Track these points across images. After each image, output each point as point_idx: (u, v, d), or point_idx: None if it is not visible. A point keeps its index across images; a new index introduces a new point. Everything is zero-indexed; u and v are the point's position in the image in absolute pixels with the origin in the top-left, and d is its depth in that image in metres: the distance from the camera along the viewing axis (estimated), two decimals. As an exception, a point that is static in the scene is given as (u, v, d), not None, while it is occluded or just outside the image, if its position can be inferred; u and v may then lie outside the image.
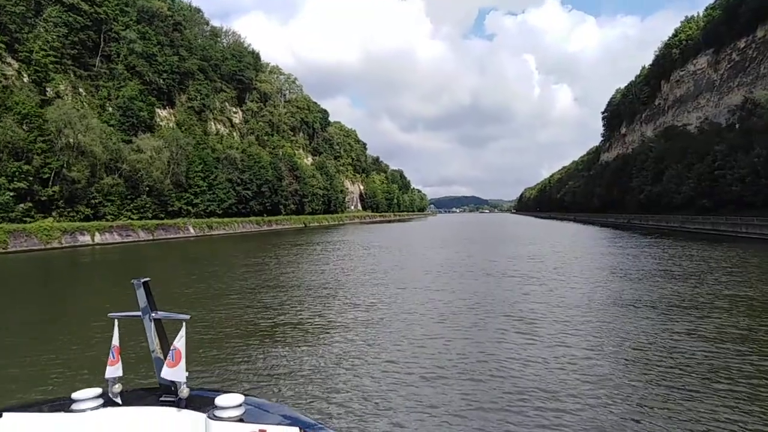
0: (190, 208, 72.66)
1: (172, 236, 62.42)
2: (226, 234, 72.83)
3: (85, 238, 49.81)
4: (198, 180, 74.01)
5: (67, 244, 47.17)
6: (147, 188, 64.67)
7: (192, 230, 67.09)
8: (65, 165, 52.32)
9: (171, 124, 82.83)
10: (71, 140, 52.48)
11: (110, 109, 67.43)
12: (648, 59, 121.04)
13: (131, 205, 62.37)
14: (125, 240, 54.49)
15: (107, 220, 57.14)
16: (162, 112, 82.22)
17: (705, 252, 29.79)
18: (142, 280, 2.78)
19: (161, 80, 79.08)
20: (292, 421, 2.52)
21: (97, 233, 51.43)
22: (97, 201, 57.08)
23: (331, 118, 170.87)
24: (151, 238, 58.66)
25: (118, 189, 60.18)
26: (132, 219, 60.52)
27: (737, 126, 52.96)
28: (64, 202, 53.18)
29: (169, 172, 68.15)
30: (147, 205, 64.38)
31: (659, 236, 45.21)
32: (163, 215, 67.26)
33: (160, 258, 37.89)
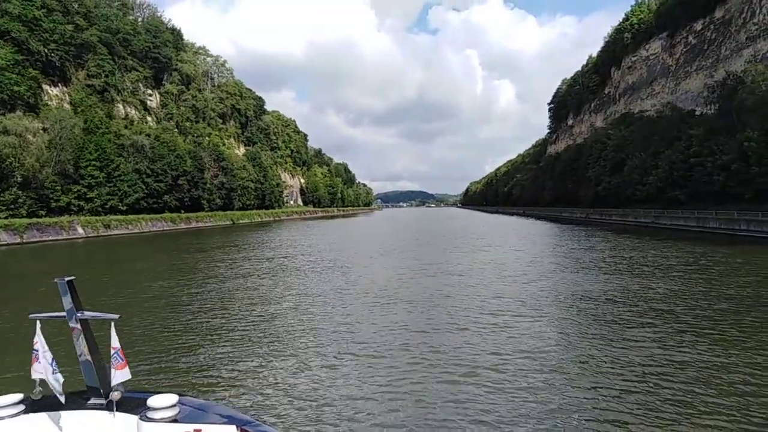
0: (82, 203, 60.14)
1: (51, 238, 50.26)
2: (130, 234, 60.97)
3: None
4: (92, 170, 61.40)
5: None
6: (20, 179, 52.12)
7: (81, 230, 54.92)
8: None
9: (66, 105, 69.72)
10: None
11: (-29, 81, 54.11)
12: (585, 57, 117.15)
13: (-4, 201, 49.82)
14: (-24, 245, 42.23)
15: (-41, 220, 44.73)
16: (52, 90, 68.87)
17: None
18: (66, 279, 2.59)
19: (48, 51, 65.75)
20: (229, 420, 2.41)
21: (-70, 238, 39.08)
22: (-59, 195, 44.44)
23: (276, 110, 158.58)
24: (18, 241, 46.45)
25: (-26, 180, 47.60)
26: (-2, 218, 48.11)
27: (716, 106, 47.04)
28: None
29: (52, 159, 55.63)
30: (20, 200, 51.88)
31: (660, 238, 36.98)
32: (44, 212, 54.77)
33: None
